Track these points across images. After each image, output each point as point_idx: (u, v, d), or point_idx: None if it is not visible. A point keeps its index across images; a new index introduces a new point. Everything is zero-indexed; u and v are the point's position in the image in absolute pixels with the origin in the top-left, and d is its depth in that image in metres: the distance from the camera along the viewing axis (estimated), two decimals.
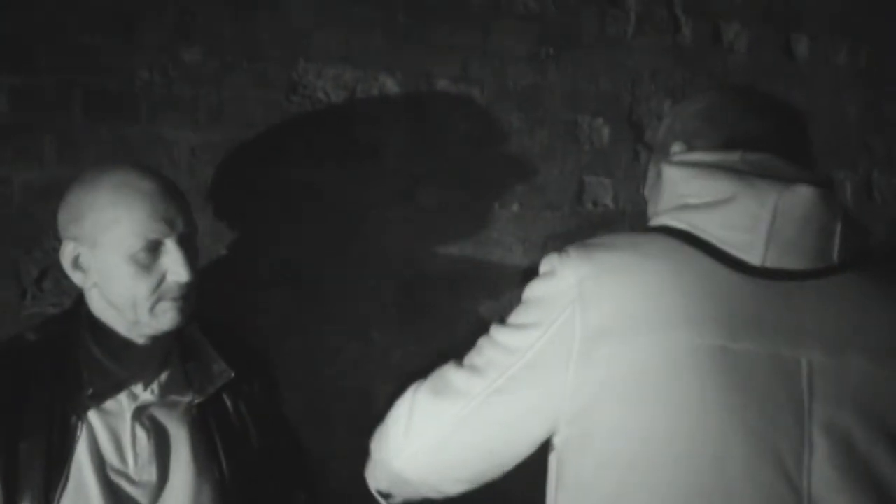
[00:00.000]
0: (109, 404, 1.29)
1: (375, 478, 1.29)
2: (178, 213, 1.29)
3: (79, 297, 1.35)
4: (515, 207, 1.90)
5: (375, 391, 1.84)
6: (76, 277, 1.29)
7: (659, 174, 1.25)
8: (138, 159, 1.58)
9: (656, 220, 1.16)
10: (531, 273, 1.21)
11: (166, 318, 1.28)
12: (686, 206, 1.11)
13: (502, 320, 1.20)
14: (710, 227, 1.08)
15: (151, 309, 1.27)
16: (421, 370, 1.24)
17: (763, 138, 1.17)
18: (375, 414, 1.79)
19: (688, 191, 1.12)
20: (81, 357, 1.28)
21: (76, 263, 1.28)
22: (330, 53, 1.77)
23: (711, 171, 1.11)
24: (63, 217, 1.29)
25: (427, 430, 1.18)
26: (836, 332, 1.04)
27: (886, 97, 2.11)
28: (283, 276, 1.76)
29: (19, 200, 1.58)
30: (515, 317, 1.18)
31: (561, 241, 1.19)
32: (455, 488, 1.23)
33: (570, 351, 1.08)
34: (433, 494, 1.24)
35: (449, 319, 1.86)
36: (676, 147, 1.23)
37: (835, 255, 1.07)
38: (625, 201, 1.93)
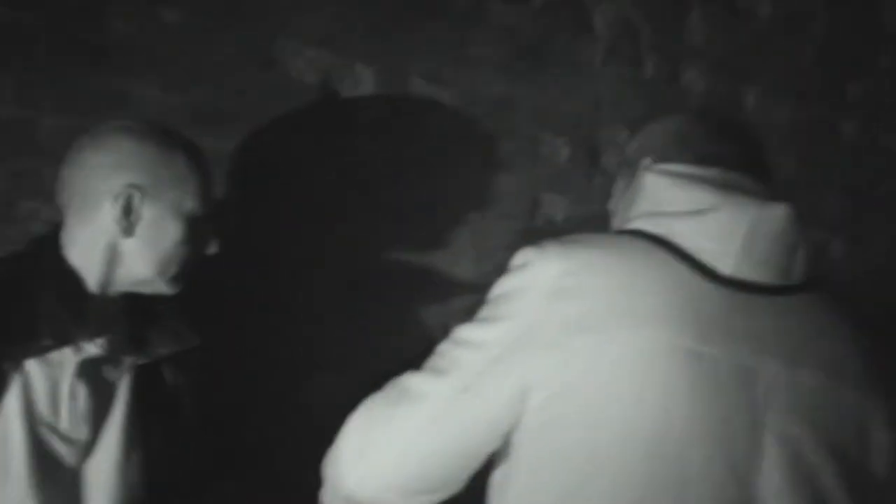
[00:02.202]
0: (53, 355, 1.23)
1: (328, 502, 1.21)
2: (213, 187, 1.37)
3: (38, 242, 1.31)
4: (471, 214, 1.91)
5: (312, 379, 1.82)
6: (119, 225, 1.25)
7: (627, 187, 1.29)
8: (103, 112, 1.53)
9: (630, 225, 1.18)
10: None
11: (176, 286, 1.33)
12: (662, 213, 1.14)
13: (467, 319, 1.18)
14: (686, 233, 1.11)
15: (176, 274, 1.30)
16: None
17: (731, 158, 1.21)
18: (305, 403, 1.79)
19: (665, 198, 1.15)
20: (35, 305, 1.22)
21: (127, 210, 1.25)
22: (309, 35, 1.76)
23: (692, 181, 1.15)
24: (111, 161, 1.26)
25: (383, 442, 1.12)
26: (792, 346, 1.08)
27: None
28: (233, 254, 1.71)
29: None
30: (483, 312, 1.16)
31: (510, 253, 1.21)
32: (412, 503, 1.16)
33: (544, 343, 1.08)
34: None
35: (395, 319, 1.85)
36: (647, 162, 1.26)
37: (797, 275, 1.12)
38: (576, 221, 1.97)
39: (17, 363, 1.20)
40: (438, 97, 1.86)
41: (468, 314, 1.17)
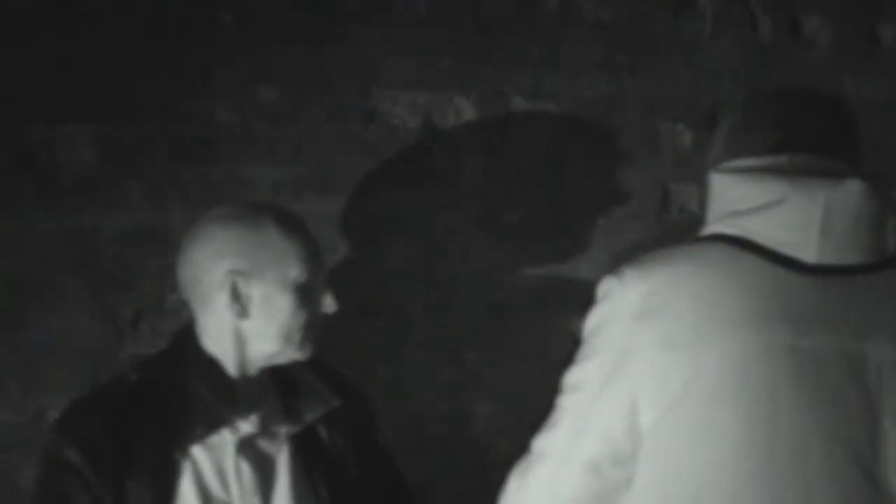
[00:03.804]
0: (213, 438, 1.32)
1: None
2: (321, 249, 1.38)
3: (179, 336, 1.40)
4: (601, 220, 1.87)
5: (471, 413, 1.84)
6: (233, 310, 1.31)
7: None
8: (223, 198, 1.61)
9: (708, 229, 1.17)
10: None
11: (308, 349, 1.37)
12: (736, 212, 1.12)
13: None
14: (762, 229, 1.09)
15: (302, 339, 1.35)
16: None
17: (805, 139, 1.17)
18: (472, 436, 1.81)
19: (737, 196, 1.13)
20: (188, 395, 1.32)
21: (235, 295, 1.31)
22: (402, 80, 1.78)
23: (759, 174, 1.13)
24: (210, 253, 1.31)
25: None
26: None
27: None
28: (371, 305, 1.76)
29: (111, 246, 1.63)
30: (580, 352, 1.18)
31: (649, 250, 1.19)
32: None
33: (641, 364, 1.10)
34: None
35: (541, 337, 1.84)
36: (721, 157, 1.23)
37: (889, 249, 1.08)
38: None
39: (184, 451, 1.30)
40: (542, 110, 1.83)
41: None
